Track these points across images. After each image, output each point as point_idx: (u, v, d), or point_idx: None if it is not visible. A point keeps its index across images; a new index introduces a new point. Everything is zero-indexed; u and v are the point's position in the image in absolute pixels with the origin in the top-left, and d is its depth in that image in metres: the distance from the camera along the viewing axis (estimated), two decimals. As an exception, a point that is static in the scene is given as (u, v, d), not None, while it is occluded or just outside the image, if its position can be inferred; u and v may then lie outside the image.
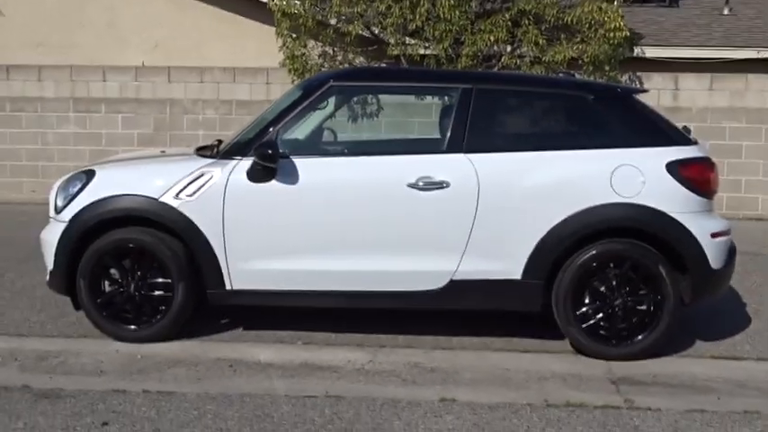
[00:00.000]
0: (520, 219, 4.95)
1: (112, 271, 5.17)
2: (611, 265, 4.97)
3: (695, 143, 5.26)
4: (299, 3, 10.66)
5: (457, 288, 5.02)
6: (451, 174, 4.98)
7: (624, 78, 11.27)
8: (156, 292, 5.14)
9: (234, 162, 5.09)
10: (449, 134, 5.12)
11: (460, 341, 5.35)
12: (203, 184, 5.05)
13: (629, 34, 10.69)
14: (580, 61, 10.51)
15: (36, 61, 11.97)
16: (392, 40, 10.63)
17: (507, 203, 4.96)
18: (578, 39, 10.55)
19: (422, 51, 10.72)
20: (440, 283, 5.02)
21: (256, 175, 5.02)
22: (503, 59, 10.63)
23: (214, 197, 5.03)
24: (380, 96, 10.11)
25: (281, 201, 5.04)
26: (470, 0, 10.60)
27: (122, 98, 11.87)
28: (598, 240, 4.95)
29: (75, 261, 5.13)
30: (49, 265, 5.23)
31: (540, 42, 10.34)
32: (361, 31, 10.70)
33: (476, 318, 5.61)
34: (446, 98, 5.69)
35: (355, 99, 9.77)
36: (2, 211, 10.91)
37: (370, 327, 5.50)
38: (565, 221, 4.91)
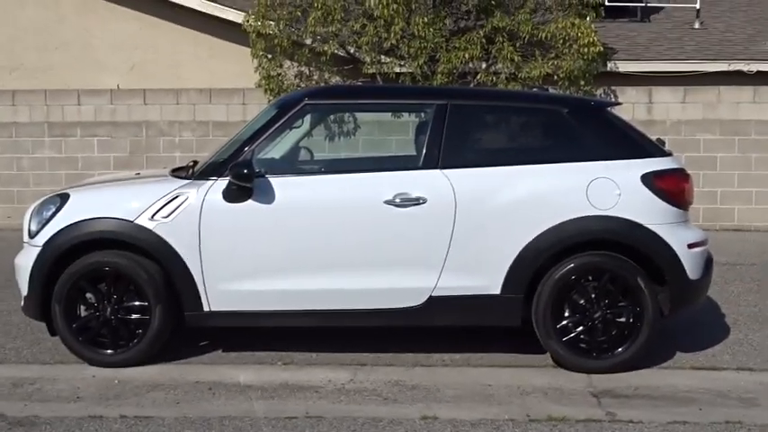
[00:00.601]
0: (497, 233, 4.95)
1: (88, 295, 5.10)
2: (590, 277, 4.98)
3: (669, 155, 5.30)
4: (273, 23, 10.66)
5: (436, 304, 5.00)
6: (428, 190, 4.97)
7: (599, 92, 11.35)
8: (133, 316, 5.08)
9: (209, 182, 5.05)
10: (424, 150, 5.11)
11: (441, 357, 5.32)
12: (179, 206, 5.01)
13: (602, 49, 10.78)
14: (555, 77, 10.57)
15: (12, 86, 11.88)
16: (367, 59, 10.64)
17: (484, 218, 4.96)
18: (553, 54, 10.62)
19: (397, 69, 10.75)
20: (419, 299, 5.00)
21: (232, 194, 4.99)
22: (478, 76, 10.68)
23: (190, 218, 4.99)
24: (356, 114, 10.12)
25: (257, 220, 5.01)
26: (445, 17, 10.65)
27: (98, 121, 11.80)
28: (576, 253, 4.96)
29: (49, 286, 5.06)
30: (24, 290, 5.16)
31: (515, 59, 10.39)
32: (336, 51, 10.72)
33: (456, 333, 5.59)
34: (421, 114, 5.69)
35: (331, 117, 9.77)
36: (-24, 237, 10.77)
37: (350, 345, 5.46)
38: (542, 235, 4.92)
